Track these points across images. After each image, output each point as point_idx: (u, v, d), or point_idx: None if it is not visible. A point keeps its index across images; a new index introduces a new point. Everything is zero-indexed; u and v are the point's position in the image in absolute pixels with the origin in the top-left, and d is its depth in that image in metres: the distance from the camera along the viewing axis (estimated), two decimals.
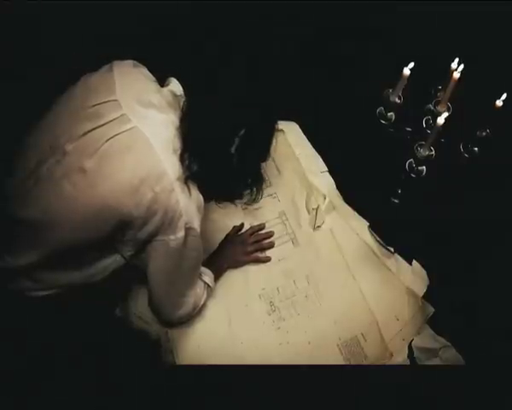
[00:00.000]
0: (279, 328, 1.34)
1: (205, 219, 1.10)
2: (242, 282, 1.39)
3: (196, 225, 1.07)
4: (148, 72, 1.13)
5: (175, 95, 1.07)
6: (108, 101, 1.02)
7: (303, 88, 1.61)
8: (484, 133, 1.45)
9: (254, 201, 1.24)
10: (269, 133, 1.14)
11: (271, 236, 1.47)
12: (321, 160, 1.58)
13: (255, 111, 1.06)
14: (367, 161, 1.50)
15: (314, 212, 1.48)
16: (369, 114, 1.51)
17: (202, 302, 1.26)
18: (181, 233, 1.04)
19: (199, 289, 1.24)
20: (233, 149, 1.07)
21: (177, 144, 1.02)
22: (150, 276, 1.11)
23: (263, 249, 1.44)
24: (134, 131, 1.00)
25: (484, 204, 1.44)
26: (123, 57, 1.12)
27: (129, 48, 1.18)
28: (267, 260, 1.43)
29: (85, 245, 1.03)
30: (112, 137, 0.99)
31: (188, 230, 1.05)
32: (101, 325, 1.21)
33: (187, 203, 1.03)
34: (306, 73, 1.64)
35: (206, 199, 1.10)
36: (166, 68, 1.12)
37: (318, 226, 1.48)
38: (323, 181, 1.55)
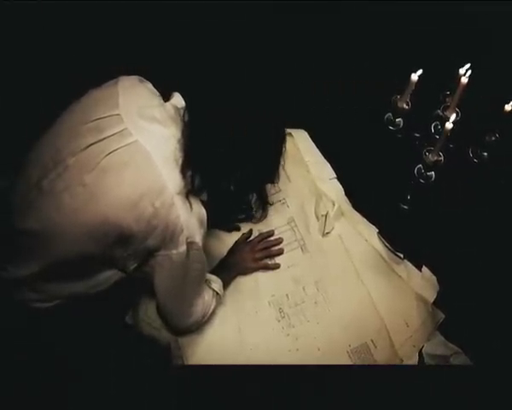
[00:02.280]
0: (288, 335, 1.34)
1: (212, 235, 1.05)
2: (252, 289, 1.40)
3: (198, 239, 1.06)
4: (152, 87, 1.12)
5: (177, 108, 1.07)
6: (111, 115, 1.02)
7: (311, 96, 1.62)
8: (493, 138, 1.45)
9: (260, 220, 1.23)
10: (275, 151, 1.11)
11: (280, 242, 1.46)
12: (329, 167, 1.58)
13: (259, 126, 1.03)
14: (375, 168, 1.50)
15: (323, 218, 1.48)
16: (377, 120, 1.52)
17: (211, 310, 1.26)
18: (183, 248, 1.04)
19: (207, 296, 1.24)
20: (236, 166, 1.06)
21: (179, 157, 1.02)
22: (156, 289, 1.12)
23: (272, 256, 1.44)
24: (134, 146, 1.00)
25: (494, 209, 1.43)
26: (128, 73, 1.13)
27: (134, 62, 1.19)
28: (276, 266, 1.43)
29: (87, 257, 1.03)
30: (112, 152, 0.99)
31: (189, 244, 1.04)
32: (111, 332, 1.22)
33: (188, 218, 1.02)
34: (314, 81, 1.64)
35: (211, 222, 1.09)
36: (171, 83, 1.13)
37: (327, 233, 1.48)
38: (332, 188, 1.55)
